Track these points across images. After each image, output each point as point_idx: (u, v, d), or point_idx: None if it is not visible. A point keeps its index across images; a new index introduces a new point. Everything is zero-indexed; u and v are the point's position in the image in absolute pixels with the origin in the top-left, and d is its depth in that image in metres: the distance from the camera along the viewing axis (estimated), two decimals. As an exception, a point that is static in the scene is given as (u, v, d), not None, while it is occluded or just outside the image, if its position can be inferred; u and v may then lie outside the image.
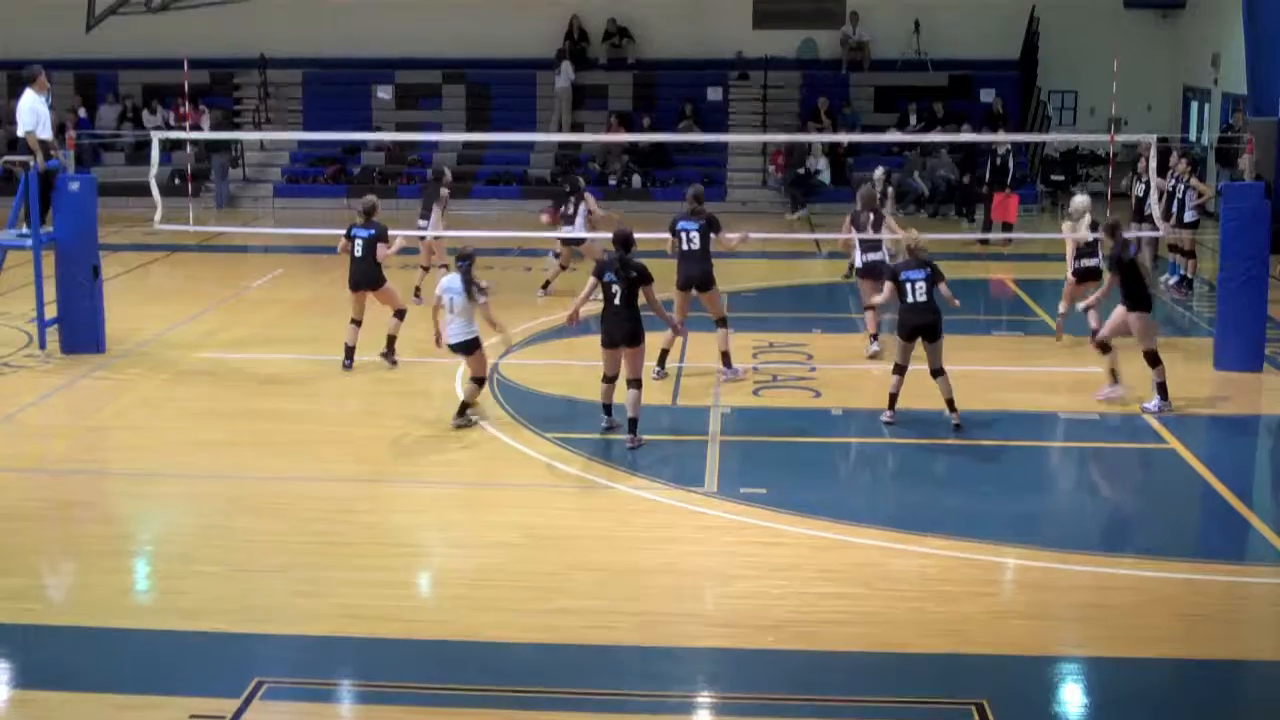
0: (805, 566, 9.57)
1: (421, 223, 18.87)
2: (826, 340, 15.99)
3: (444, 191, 18.79)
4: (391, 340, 14.80)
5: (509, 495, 11.11)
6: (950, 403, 12.60)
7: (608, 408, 12.40)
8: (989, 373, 14.36)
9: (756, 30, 29.81)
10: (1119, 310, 13.24)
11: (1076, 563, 9.65)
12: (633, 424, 12.05)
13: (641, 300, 12.04)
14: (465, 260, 12.50)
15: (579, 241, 18.20)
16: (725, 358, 14.34)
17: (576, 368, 15.18)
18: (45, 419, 13.35)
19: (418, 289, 18.18)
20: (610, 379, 12.30)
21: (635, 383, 12.06)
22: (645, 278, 11.99)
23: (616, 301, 11.94)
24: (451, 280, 12.50)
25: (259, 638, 8.51)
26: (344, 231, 14.89)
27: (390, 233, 14.97)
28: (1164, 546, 10.09)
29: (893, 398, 12.78)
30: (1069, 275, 15.52)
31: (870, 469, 12.19)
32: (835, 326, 16.46)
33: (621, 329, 11.97)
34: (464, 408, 12.71)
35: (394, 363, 14.76)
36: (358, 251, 14.61)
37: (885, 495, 11.35)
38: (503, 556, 9.79)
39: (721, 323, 14.34)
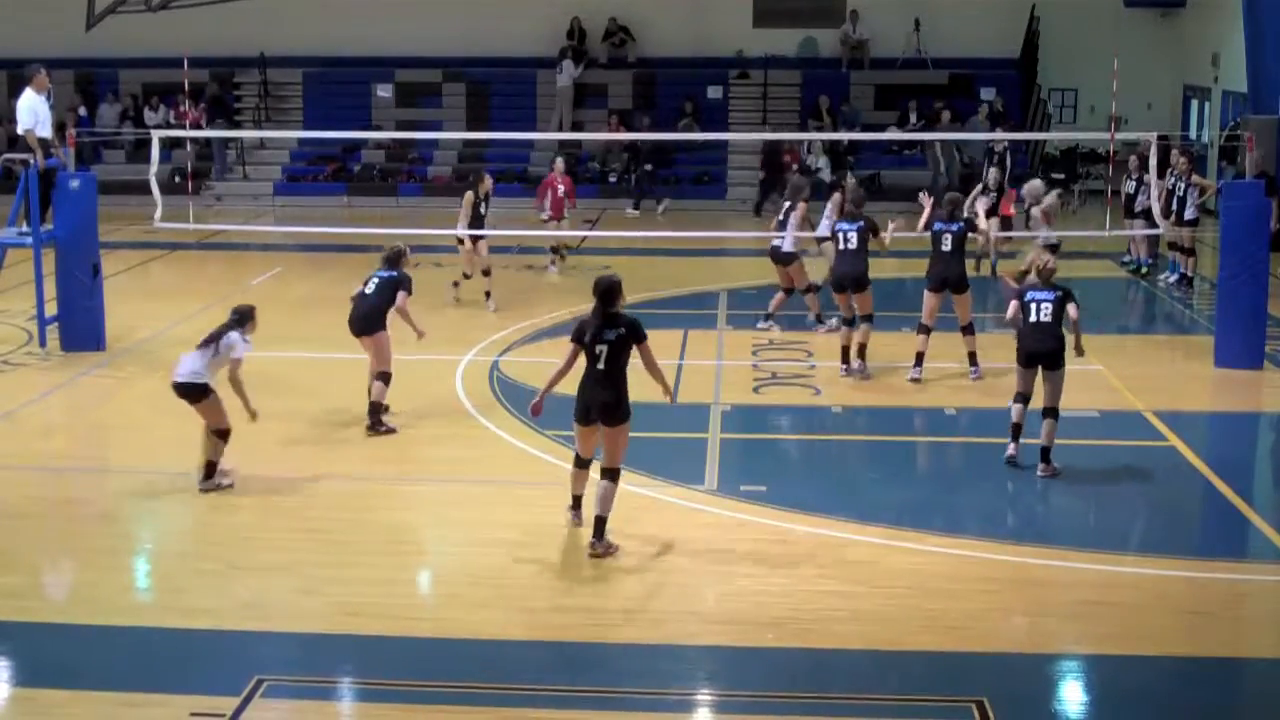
0: (805, 564, 9.56)
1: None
2: (826, 338, 15.98)
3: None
4: (376, 409, 12.68)
5: (508, 493, 11.10)
6: (1046, 451, 11.35)
7: (577, 500, 10.13)
8: (987, 370, 14.34)
9: (757, 29, 29.79)
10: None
11: (1076, 560, 9.65)
12: (599, 524, 9.70)
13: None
14: (238, 314, 11.00)
15: (791, 258, 16.22)
16: (845, 353, 14.44)
17: (575, 366, 15.17)
18: (45, 417, 13.36)
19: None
20: (584, 463, 10.06)
21: (612, 473, 9.72)
22: (637, 334, 9.73)
23: (599, 365, 9.66)
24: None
25: (259, 635, 8.52)
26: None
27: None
28: (1164, 544, 10.10)
29: (1016, 428, 11.55)
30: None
31: (870, 467, 12.17)
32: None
33: (601, 400, 9.65)
34: (211, 469, 10.91)
35: (388, 430, 12.65)
36: (368, 289, 12.73)
37: (885, 493, 11.34)
38: (502, 554, 9.78)
39: (867, 319, 14.35)
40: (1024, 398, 11.50)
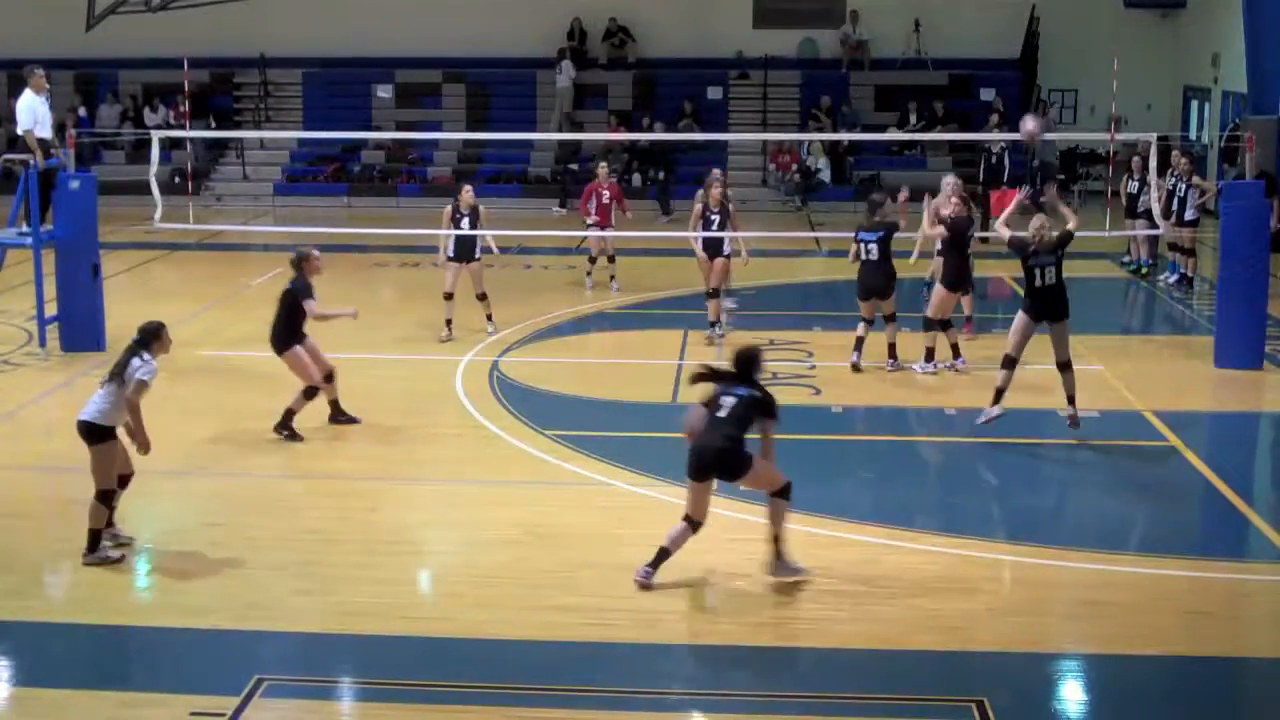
0: (804, 564, 9.54)
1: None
2: (826, 338, 15.99)
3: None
4: (288, 414, 12.32)
5: (508, 493, 11.11)
6: (1072, 399, 12.18)
7: (663, 555, 9.13)
8: (988, 370, 14.34)
9: (757, 29, 29.83)
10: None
11: (1077, 560, 9.66)
12: (775, 543, 9.27)
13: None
14: (142, 334, 9.71)
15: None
16: (859, 343, 14.65)
17: (575, 365, 15.20)
18: (45, 416, 13.37)
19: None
20: (693, 524, 9.14)
21: (778, 492, 9.22)
22: (770, 408, 9.14)
23: (719, 414, 9.02)
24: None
25: (259, 635, 8.52)
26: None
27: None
28: (1164, 544, 10.09)
29: (999, 392, 12.22)
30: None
31: (870, 467, 12.17)
32: (835, 324, 16.44)
33: (715, 449, 8.95)
34: (95, 539, 9.53)
35: (293, 436, 12.27)
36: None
37: (885, 493, 11.34)
38: (502, 554, 9.79)
39: (890, 319, 14.68)
40: (1012, 362, 12.12)
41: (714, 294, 15.90)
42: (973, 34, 29.00)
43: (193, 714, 7.49)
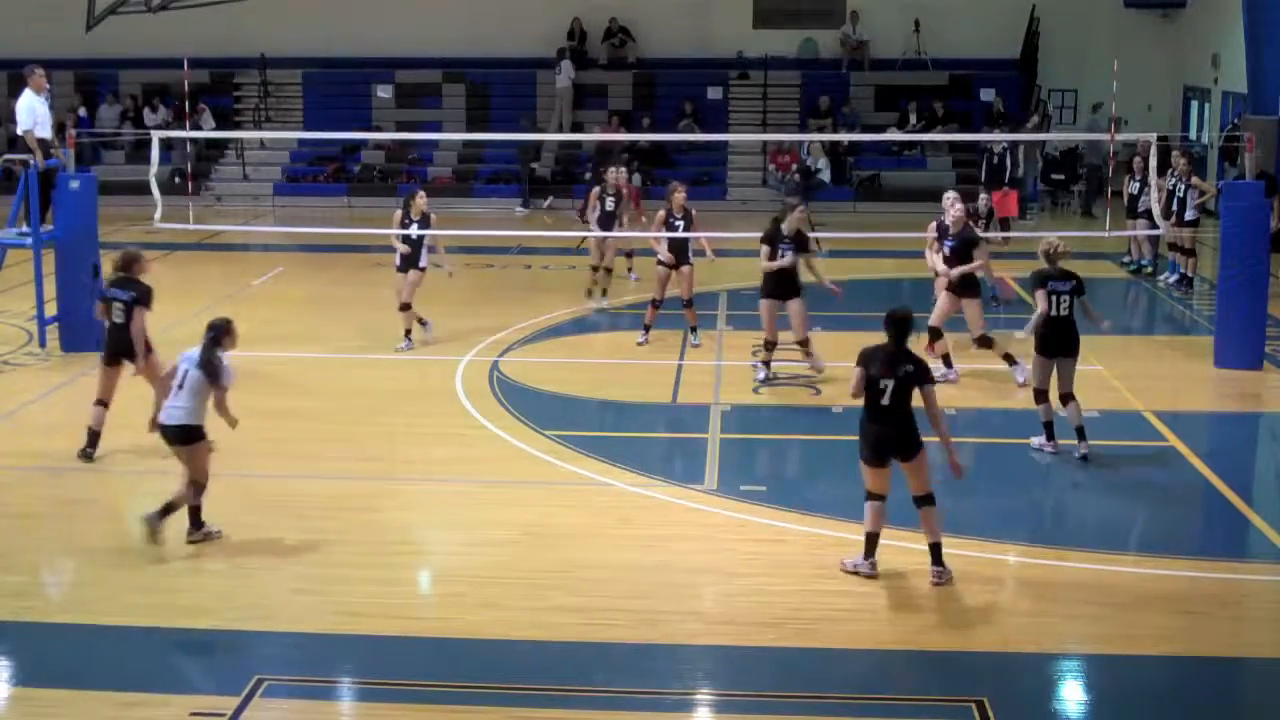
0: (805, 564, 9.56)
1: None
2: (826, 338, 15.96)
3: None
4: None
5: (509, 493, 11.10)
6: (1081, 430, 11.70)
7: (873, 541, 9.30)
8: (989, 370, 14.36)
9: (757, 30, 29.84)
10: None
11: (1076, 560, 9.66)
12: (936, 551, 9.27)
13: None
14: (214, 330, 9.87)
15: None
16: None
17: (575, 365, 15.20)
18: (46, 416, 13.36)
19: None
20: (878, 497, 9.29)
21: (928, 498, 9.22)
22: (925, 375, 9.20)
23: (883, 402, 9.11)
24: (193, 351, 9.87)
25: (259, 635, 8.52)
26: (100, 295, 12.15)
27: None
28: (1164, 544, 10.09)
29: (1049, 426, 11.86)
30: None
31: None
32: (835, 324, 16.43)
33: (891, 438, 9.15)
34: (168, 509, 9.78)
35: None
36: (118, 317, 11.62)
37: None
38: (502, 554, 9.79)
39: (803, 344, 14.28)
40: (1043, 394, 11.81)
41: (688, 303, 15.73)
42: (973, 34, 29.02)
43: (193, 714, 7.50)
